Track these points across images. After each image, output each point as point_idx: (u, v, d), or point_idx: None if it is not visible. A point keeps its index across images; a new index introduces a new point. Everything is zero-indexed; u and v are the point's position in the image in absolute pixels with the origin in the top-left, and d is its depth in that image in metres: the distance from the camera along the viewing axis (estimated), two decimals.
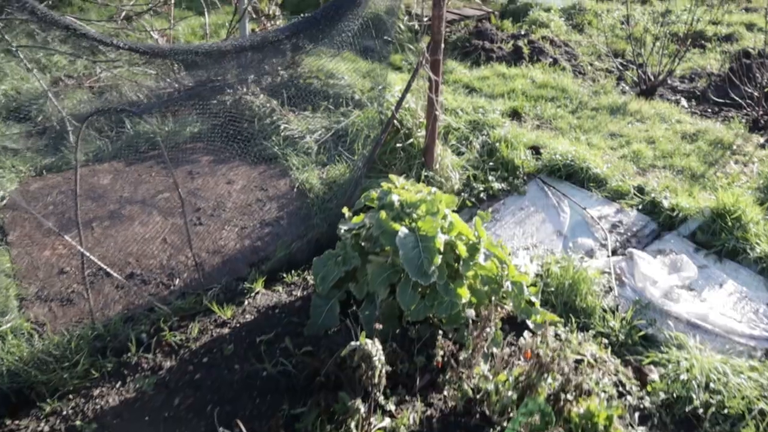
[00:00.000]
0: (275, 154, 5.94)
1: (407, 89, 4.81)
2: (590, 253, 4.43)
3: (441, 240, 3.34)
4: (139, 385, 3.44)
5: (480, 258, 3.42)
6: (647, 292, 3.96)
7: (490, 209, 4.97)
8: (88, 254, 3.76)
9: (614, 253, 4.43)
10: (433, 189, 3.79)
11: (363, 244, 3.66)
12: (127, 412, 3.31)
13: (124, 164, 5.84)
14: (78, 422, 3.25)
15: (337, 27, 4.49)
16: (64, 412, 3.33)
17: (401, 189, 3.77)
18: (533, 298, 3.72)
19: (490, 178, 5.28)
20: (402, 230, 3.36)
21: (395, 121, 5.07)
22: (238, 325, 3.90)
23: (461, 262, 3.44)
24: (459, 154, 5.63)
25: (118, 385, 3.49)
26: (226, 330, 3.85)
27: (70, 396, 3.45)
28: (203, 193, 5.40)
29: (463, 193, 5.15)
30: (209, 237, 4.82)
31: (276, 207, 5.23)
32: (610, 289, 4.06)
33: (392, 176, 3.86)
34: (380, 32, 4.86)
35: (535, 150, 5.64)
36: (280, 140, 6.10)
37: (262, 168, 5.84)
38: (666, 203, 4.81)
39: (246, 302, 4.11)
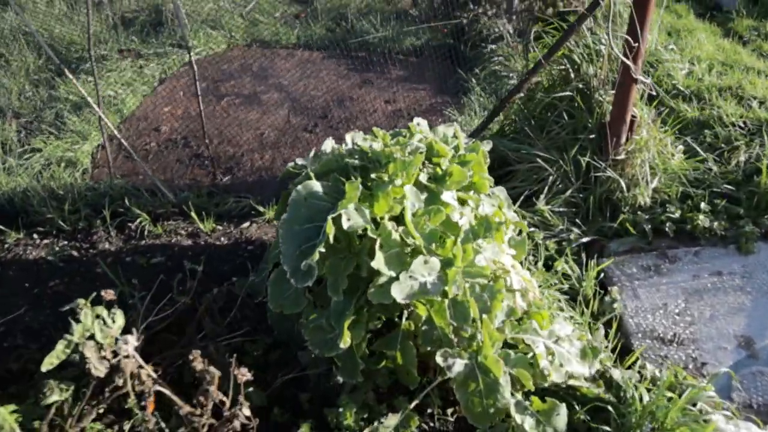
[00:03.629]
0: (467, 88, 4.61)
1: (570, 32, 2.91)
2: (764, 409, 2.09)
3: (347, 222, 1.84)
4: (53, 251, 3.03)
5: (397, 288, 1.78)
6: None
7: (663, 252, 2.83)
8: (106, 119, 3.41)
9: None
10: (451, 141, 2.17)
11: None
12: (21, 271, 2.94)
13: (321, 56, 5.36)
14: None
15: None
16: (6, 244, 3.16)
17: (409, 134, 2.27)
18: (525, 420, 1.87)
19: (704, 206, 2.99)
20: (309, 185, 1.97)
21: (567, 64, 3.21)
22: (203, 243, 3.11)
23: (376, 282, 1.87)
24: (691, 157, 3.36)
25: (60, 242, 3.15)
26: (188, 242, 3.12)
27: (34, 235, 3.26)
28: (351, 104, 4.54)
29: (640, 211, 3.06)
30: (301, 146, 4.01)
31: None
32: None
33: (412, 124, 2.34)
34: None
35: None
36: (485, 75, 4.70)
37: (441, 99, 4.63)
38: None
39: (244, 225, 3.25)
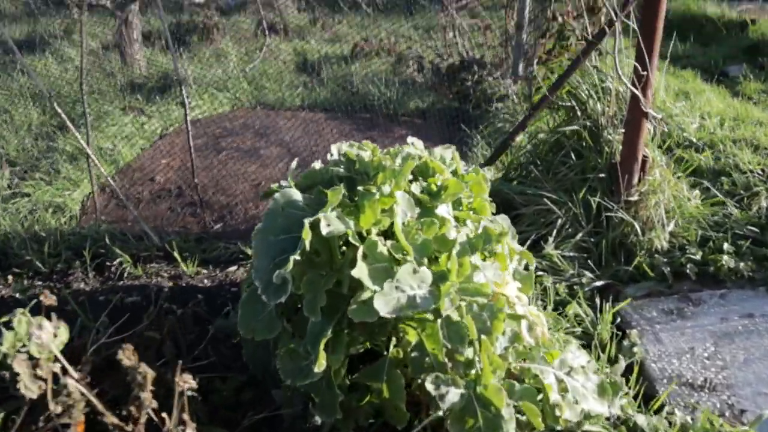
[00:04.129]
0: (471, 144, 4.51)
1: (576, 64, 2.83)
2: None
3: (326, 228, 1.63)
4: (22, 288, 2.82)
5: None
6: None
7: (686, 296, 2.57)
8: (94, 158, 3.31)
9: None
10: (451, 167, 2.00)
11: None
12: None
13: (324, 116, 5.34)
14: None
15: None
16: None
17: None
18: None
19: (727, 247, 2.75)
20: (288, 193, 1.79)
21: (572, 102, 3.08)
22: (184, 284, 2.90)
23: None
24: (709, 200, 3.15)
25: (34, 282, 2.95)
26: (168, 283, 2.89)
27: (8, 276, 3.06)
28: None
29: (657, 255, 2.82)
30: None
31: None
32: None
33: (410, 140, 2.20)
34: None
35: None
36: (489, 132, 4.61)
37: None
38: None
39: (231, 269, 3.04)
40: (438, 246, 1.80)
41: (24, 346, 1.49)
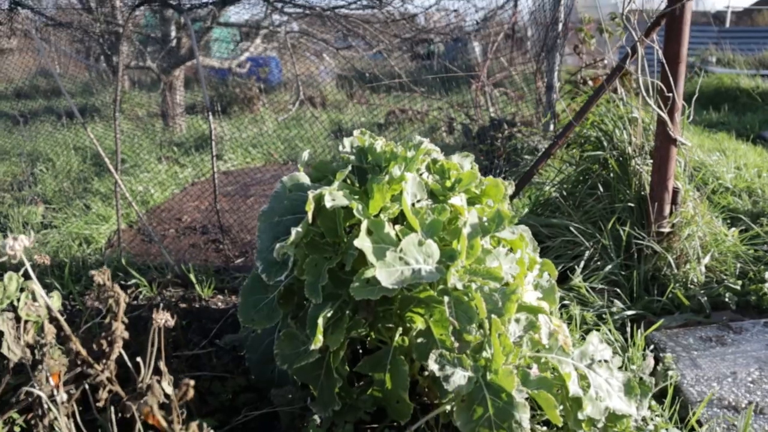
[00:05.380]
0: None
1: (599, 91, 2.80)
2: None
3: (330, 202, 1.58)
4: None
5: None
6: None
7: (726, 324, 2.37)
8: (122, 186, 3.37)
9: None
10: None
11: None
12: None
13: None
14: None
15: None
16: None
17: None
18: None
19: None
20: (296, 176, 1.76)
21: (598, 133, 3.02)
22: (197, 306, 2.83)
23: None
24: (747, 239, 2.98)
25: None
26: (182, 304, 2.84)
27: None
28: None
29: (691, 284, 2.65)
30: None
31: None
32: None
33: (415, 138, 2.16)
34: None
35: None
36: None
37: None
38: None
39: None
40: (450, 237, 1.72)
41: (12, 304, 1.44)
